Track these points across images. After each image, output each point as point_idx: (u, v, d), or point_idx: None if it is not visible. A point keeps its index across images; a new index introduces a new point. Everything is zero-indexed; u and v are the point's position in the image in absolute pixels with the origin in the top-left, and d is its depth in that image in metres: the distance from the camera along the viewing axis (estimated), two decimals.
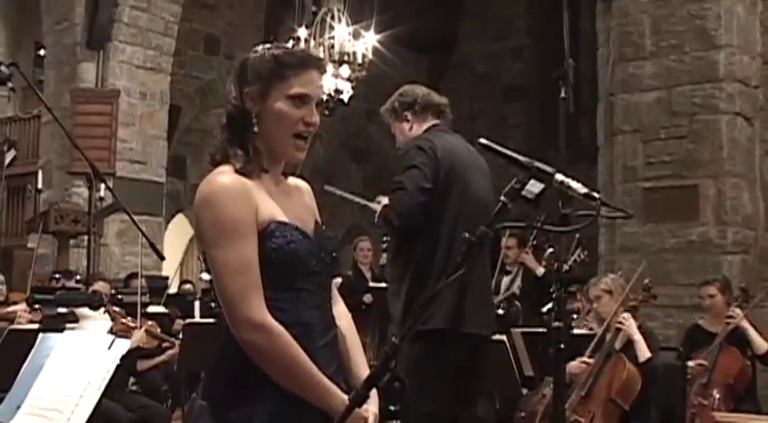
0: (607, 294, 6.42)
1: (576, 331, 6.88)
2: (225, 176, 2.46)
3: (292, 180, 2.72)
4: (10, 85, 6.11)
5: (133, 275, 9.75)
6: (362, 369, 2.71)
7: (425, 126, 4.79)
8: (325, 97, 10.72)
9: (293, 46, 2.65)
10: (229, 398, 2.44)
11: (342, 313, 2.76)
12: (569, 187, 2.30)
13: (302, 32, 11.25)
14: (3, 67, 5.90)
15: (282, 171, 2.65)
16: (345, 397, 2.41)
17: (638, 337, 6.17)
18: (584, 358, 6.24)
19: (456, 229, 4.43)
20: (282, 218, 2.49)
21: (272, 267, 2.43)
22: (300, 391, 2.40)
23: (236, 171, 2.48)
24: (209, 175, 2.49)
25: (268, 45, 2.63)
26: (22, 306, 7.05)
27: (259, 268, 2.42)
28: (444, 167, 4.53)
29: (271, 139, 2.54)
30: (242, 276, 2.38)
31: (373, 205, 4.79)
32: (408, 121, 4.82)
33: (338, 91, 11.27)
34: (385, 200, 4.67)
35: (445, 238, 4.46)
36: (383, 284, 6.75)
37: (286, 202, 2.57)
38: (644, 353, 6.12)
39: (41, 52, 13.79)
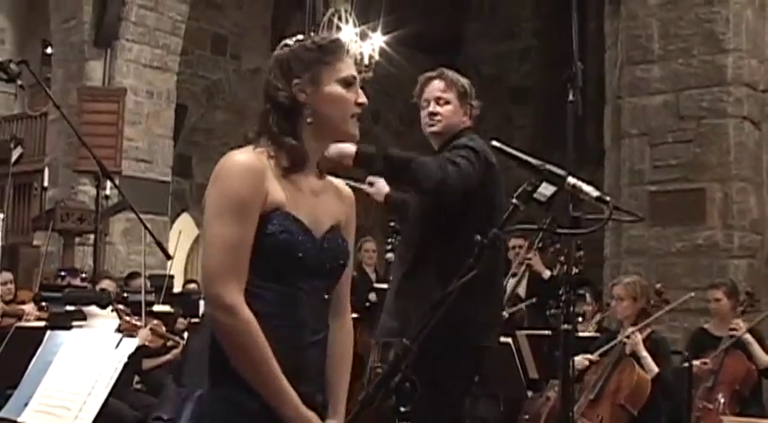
0: (630, 299, 6.40)
1: (581, 334, 6.88)
2: (243, 155, 2.47)
3: (333, 181, 2.73)
4: (19, 82, 6.12)
5: (134, 274, 9.75)
6: (341, 382, 2.69)
7: (468, 124, 4.62)
8: None
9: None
10: (222, 380, 2.44)
11: (344, 326, 2.74)
12: (582, 190, 2.30)
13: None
14: (12, 65, 5.91)
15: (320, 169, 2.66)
16: (301, 407, 2.41)
17: (644, 353, 6.16)
18: (590, 355, 6.24)
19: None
20: (287, 209, 2.48)
21: (261, 253, 2.42)
22: (257, 385, 2.38)
23: (284, 169, 2.50)
24: (230, 152, 2.50)
25: (294, 39, 2.65)
26: (31, 306, 7.07)
27: (251, 252, 2.42)
28: (496, 173, 4.39)
29: (328, 123, 2.58)
30: (229, 255, 2.38)
31: (364, 186, 4.63)
32: (467, 114, 4.63)
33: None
34: (375, 179, 4.56)
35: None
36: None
37: (304, 197, 2.55)
38: (651, 368, 6.12)
39: (49, 50, 13.82)
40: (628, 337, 6.21)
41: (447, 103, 4.53)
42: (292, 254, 2.46)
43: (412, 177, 4.18)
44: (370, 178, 4.59)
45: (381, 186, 4.56)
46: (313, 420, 2.44)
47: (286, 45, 2.62)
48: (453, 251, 3.96)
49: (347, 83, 2.60)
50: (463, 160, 4.19)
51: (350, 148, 3.99)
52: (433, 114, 4.52)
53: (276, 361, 2.39)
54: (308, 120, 2.55)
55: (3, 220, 10.88)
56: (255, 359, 2.37)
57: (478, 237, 2.26)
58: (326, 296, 2.61)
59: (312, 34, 2.67)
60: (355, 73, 2.65)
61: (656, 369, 6.11)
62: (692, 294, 7.04)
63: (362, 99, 2.64)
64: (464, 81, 4.62)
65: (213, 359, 2.47)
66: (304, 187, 2.57)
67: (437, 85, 4.55)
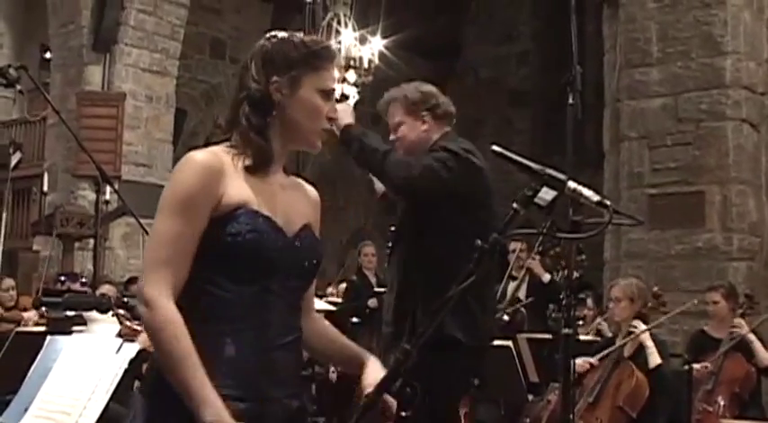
0: (627, 300, 6.41)
1: (582, 338, 6.89)
2: (200, 153, 2.42)
3: (295, 180, 2.68)
4: (18, 87, 6.12)
5: (134, 279, 9.75)
6: (344, 339, 2.74)
7: (440, 133, 4.56)
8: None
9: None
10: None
11: (317, 319, 2.74)
12: (582, 195, 2.31)
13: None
14: (11, 70, 5.90)
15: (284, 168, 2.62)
16: (222, 412, 2.22)
17: (649, 343, 6.18)
18: (589, 358, 6.25)
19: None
20: (254, 207, 2.42)
21: (228, 254, 2.36)
22: (177, 383, 2.25)
23: (247, 168, 2.45)
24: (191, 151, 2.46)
25: (287, 33, 2.59)
26: (33, 313, 7.06)
27: (214, 253, 2.36)
28: (484, 176, 4.35)
29: (298, 129, 2.53)
30: (162, 249, 2.33)
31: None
32: (425, 122, 4.50)
33: (344, 96, 11.26)
34: (341, 107, 4.49)
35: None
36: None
37: (273, 195, 2.50)
38: (655, 359, 6.13)
39: (47, 55, 13.82)
40: (635, 326, 6.22)
41: (400, 124, 4.53)
42: (261, 253, 2.39)
43: (379, 168, 4.25)
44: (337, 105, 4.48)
45: (344, 116, 4.45)
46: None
47: (274, 37, 2.56)
48: (446, 255, 4.00)
49: (326, 94, 2.55)
50: (435, 162, 4.21)
51: (347, 119, 4.08)
52: (393, 142, 4.51)
53: (242, 364, 2.35)
54: (277, 120, 2.51)
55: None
56: (172, 356, 2.26)
57: (479, 242, 2.26)
58: (299, 297, 2.56)
59: (302, 34, 2.63)
60: (335, 86, 2.62)
61: (659, 360, 6.12)
62: (696, 302, 7.06)
63: (333, 113, 2.63)
64: (407, 90, 4.57)
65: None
66: (273, 185, 2.53)
67: (389, 113, 4.57)
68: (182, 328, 2.28)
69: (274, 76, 2.50)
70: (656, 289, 6.38)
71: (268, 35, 2.58)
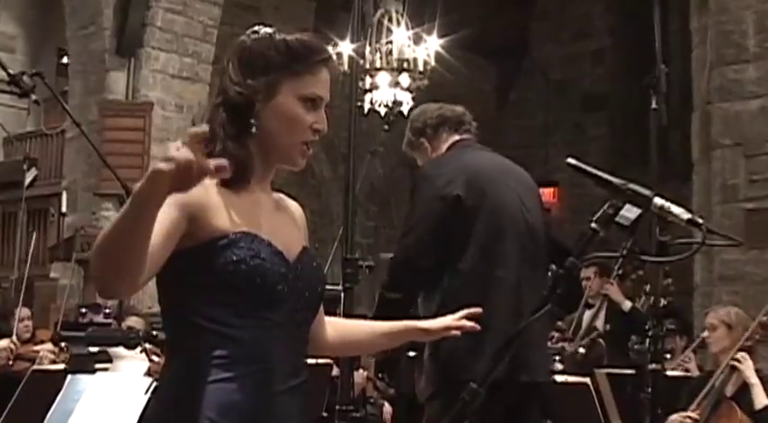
0: (724, 327, 6.34)
1: (670, 373, 6.81)
2: None
3: (279, 196, 2.65)
4: (34, 97, 6.16)
5: None
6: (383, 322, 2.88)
7: (446, 146, 4.76)
8: (384, 111, 10.78)
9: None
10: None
11: (337, 325, 2.86)
12: (671, 212, 2.29)
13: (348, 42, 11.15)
14: (25, 78, 5.94)
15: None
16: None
17: (755, 380, 6.08)
18: (689, 413, 6.14)
19: (488, 255, 4.43)
20: (252, 231, 2.39)
21: (230, 284, 2.33)
22: (115, 230, 2.05)
23: (220, 182, 2.36)
24: None
25: (271, 29, 2.53)
26: (49, 346, 7.11)
27: (213, 285, 2.33)
28: (469, 193, 4.50)
29: (274, 142, 2.48)
30: None
31: None
32: (426, 148, 4.82)
33: (397, 102, 11.22)
34: None
35: (475, 269, 4.44)
36: None
37: (265, 217, 2.49)
38: (761, 399, 6.04)
39: (65, 60, 13.95)
40: (737, 360, 6.13)
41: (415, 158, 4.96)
42: (267, 281, 2.36)
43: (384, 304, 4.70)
44: None
45: None
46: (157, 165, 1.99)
47: (255, 33, 2.52)
48: (456, 284, 4.42)
49: (309, 102, 2.47)
50: (399, 246, 4.66)
51: None
52: None
53: (239, 411, 2.33)
54: (253, 129, 2.45)
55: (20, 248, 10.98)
56: (104, 235, 2.06)
57: (553, 266, 2.25)
58: (306, 331, 2.55)
59: (290, 36, 2.52)
60: (326, 94, 2.51)
61: (765, 400, 6.03)
62: None
63: (322, 126, 2.50)
64: (407, 133, 4.93)
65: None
66: (263, 206, 2.51)
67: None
68: None
69: (249, 79, 2.46)
70: (765, 318, 6.26)
71: (249, 31, 2.54)
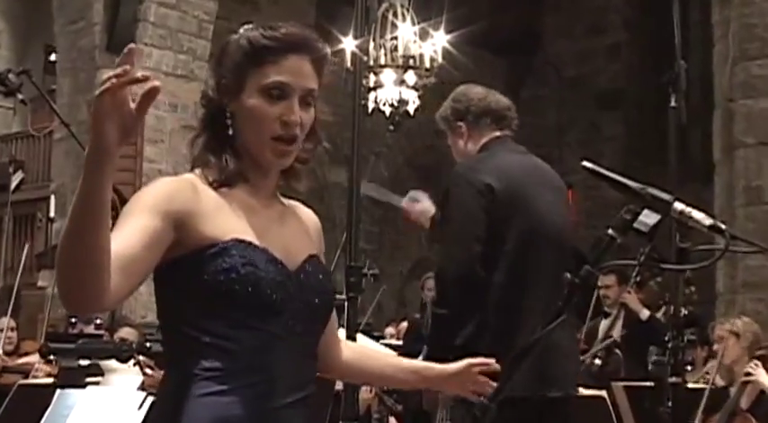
0: (733, 337, 6.35)
1: (691, 385, 6.81)
2: (170, 178, 2.44)
3: (290, 202, 2.64)
4: (20, 96, 6.16)
5: None
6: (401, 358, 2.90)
7: (483, 140, 4.67)
8: (389, 110, 10.77)
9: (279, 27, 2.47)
10: None
11: (348, 345, 2.87)
12: (692, 218, 2.28)
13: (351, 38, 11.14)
14: (11, 76, 5.95)
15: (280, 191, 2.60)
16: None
17: None
18: None
19: (521, 264, 4.42)
20: (245, 236, 2.39)
21: (221, 294, 2.32)
22: (71, 219, 2.23)
23: (210, 184, 2.42)
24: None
25: (252, 26, 2.50)
26: (36, 358, 7.10)
27: (205, 296, 2.33)
28: (501, 202, 4.45)
29: (247, 142, 2.46)
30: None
31: (402, 204, 4.83)
32: (462, 134, 4.73)
33: (402, 101, 11.23)
34: (418, 195, 4.72)
35: (508, 279, 4.43)
36: None
37: (265, 223, 2.48)
38: None
39: (53, 57, 13.96)
40: (749, 372, 6.16)
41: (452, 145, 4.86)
42: (261, 289, 2.35)
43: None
44: (412, 193, 4.74)
45: (428, 207, 4.71)
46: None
47: (244, 27, 2.51)
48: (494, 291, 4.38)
49: (272, 91, 2.42)
50: (447, 258, 4.57)
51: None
52: None
53: None
54: (229, 131, 2.46)
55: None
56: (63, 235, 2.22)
57: (568, 275, 2.25)
58: (312, 343, 2.53)
59: (265, 29, 2.48)
60: (295, 81, 2.44)
61: None
62: None
63: (292, 117, 2.43)
64: (446, 105, 4.85)
65: None
66: (263, 215, 2.50)
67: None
68: None
69: (223, 79, 2.48)
70: None
71: (244, 27, 2.53)
